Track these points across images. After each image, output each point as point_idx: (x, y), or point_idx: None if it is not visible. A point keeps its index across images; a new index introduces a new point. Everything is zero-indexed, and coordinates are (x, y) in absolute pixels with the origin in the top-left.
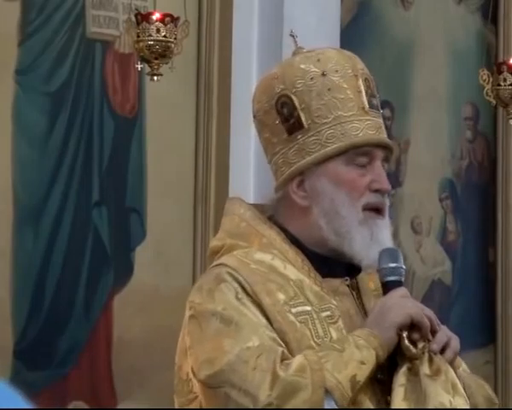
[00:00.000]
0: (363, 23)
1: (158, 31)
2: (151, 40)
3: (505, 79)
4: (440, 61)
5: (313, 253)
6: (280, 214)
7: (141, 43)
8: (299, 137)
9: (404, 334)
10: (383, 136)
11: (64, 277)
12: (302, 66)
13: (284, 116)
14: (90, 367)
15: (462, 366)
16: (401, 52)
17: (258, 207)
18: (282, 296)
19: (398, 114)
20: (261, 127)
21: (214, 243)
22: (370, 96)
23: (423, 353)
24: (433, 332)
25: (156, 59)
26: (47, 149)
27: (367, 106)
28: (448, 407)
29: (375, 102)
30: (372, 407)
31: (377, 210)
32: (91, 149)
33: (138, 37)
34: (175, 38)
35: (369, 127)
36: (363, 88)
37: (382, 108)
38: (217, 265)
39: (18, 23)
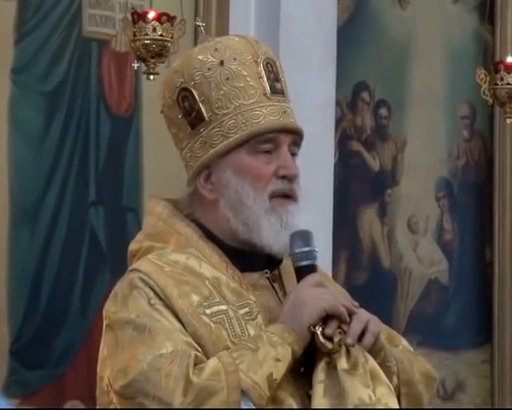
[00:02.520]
0: (360, 22)
1: (154, 30)
2: (147, 39)
3: (502, 78)
4: (437, 61)
5: (230, 247)
6: (195, 210)
7: (137, 42)
8: (201, 130)
9: (319, 331)
10: (288, 120)
11: (60, 276)
12: (200, 57)
13: (186, 110)
14: (87, 367)
15: (402, 344)
16: (398, 51)
17: (178, 204)
18: (196, 298)
19: (394, 113)
20: (168, 122)
21: (132, 245)
22: (273, 80)
23: (340, 346)
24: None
25: (153, 58)
26: (43, 148)
27: (269, 91)
28: (367, 402)
29: (280, 86)
30: (294, 403)
31: (286, 196)
32: (88, 149)
33: (135, 36)
34: (171, 37)
35: (271, 113)
36: (264, 73)
37: (379, 107)
38: (131, 270)
39: (14, 22)
